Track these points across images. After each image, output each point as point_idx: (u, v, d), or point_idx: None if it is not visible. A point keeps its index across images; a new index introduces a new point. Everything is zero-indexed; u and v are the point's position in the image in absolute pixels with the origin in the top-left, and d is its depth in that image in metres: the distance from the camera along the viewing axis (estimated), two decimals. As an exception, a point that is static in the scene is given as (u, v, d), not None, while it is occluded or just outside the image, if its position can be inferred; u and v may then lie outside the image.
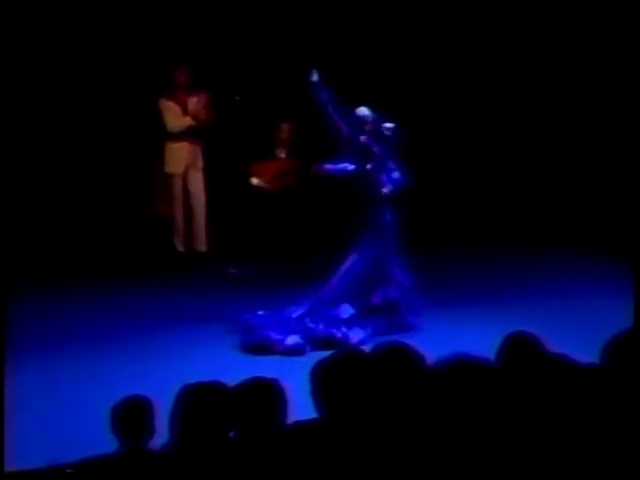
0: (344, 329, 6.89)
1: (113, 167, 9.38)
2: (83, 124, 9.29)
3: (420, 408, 3.19)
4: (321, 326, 6.89)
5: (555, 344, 3.87)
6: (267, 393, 3.56)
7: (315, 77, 6.97)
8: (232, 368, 5.98)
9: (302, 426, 3.39)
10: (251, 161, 8.84)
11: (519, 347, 3.75)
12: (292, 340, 6.77)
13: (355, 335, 6.91)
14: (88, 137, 9.32)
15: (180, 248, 9.11)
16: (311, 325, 6.89)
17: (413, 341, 3.79)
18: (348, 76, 8.26)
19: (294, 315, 6.94)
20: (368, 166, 7.03)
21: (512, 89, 9.64)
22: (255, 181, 8.83)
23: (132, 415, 3.79)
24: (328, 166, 7.17)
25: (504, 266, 8.66)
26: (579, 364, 3.60)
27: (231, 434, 3.43)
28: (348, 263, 7.04)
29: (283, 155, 8.92)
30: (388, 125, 7.03)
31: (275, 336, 6.78)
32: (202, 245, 9.15)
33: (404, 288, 7.17)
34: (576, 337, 5.66)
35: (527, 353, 3.71)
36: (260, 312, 7.30)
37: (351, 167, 7.08)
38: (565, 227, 9.34)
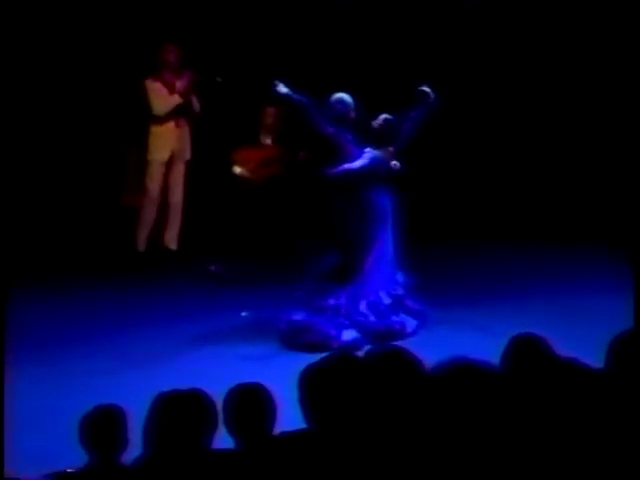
0: (395, 318, 6.99)
1: (85, 153, 9.34)
2: (55, 107, 9.23)
3: (418, 418, 3.18)
4: (372, 318, 6.96)
5: (563, 347, 3.88)
6: (253, 401, 3.57)
7: (283, 89, 6.99)
8: (213, 373, 5.99)
9: (289, 437, 3.39)
10: (233, 148, 8.83)
11: (526, 351, 3.75)
12: (349, 335, 6.87)
13: (410, 324, 7.06)
14: (60, 122, 9.28)
15: (141, 247, 8.99)
16: (360, 318, 6.96)
17: (410, 344, 3.80)
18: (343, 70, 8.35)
19: (342, 311, 6.98)
20: (390, 148, 7.07)
21: (512, 83, 9.80)
22: (238, 170, 8.81)
23: (103, 426, 3.78)
24: (345, 166, 7.04)
25: (505, 264, 8.72)
26: (591, 369, 3.61)
27: (210, 446, 3.43)
28: (375, 251, 7.06)
29: (268, 141, 8.91)
30: (382, 117, 7.06)
31: (332, 332, 6.87)
32: (173, 243, 9.08)
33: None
34: (584, 338, 5.68)
35: (535, 357, 3.71)
36: (244, 313, 7.32)
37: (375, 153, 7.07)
38: (566, 223, 9.44)
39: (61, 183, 9.34)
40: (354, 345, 6.71)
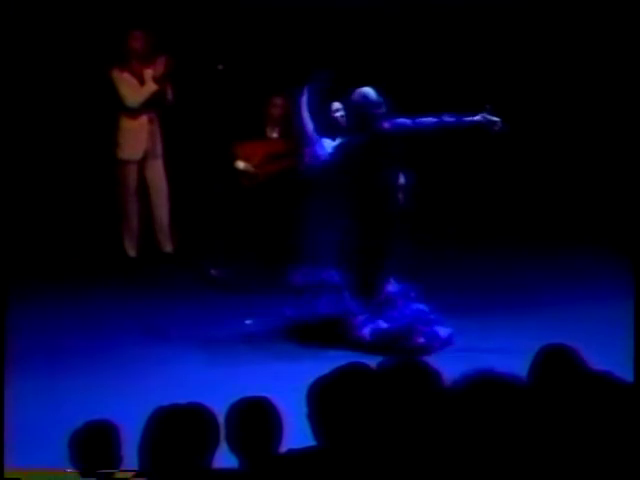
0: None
1: (83, 154, 9.34)
2: (28, 103, 9.20)
3: (437, 435, 3.17)
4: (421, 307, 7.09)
5: (596, 358, 3.88)
6: (257, 416, 3.57)
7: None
8: (214, 386, 6.01)
9: (296, 456, 3.39)
10: (236, 141, 8.82)
11: (555, 363, 3.76)
12: (445, 332, 6.97)
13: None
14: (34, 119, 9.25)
15: (132, 252, 8.97)
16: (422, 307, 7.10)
17: (427, 355, 3.78)
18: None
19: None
20: None
21: (514, 85, 9.90)
22: (241, 165, 8.80)
23: (94, 444, 3.78)
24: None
25: (529, 267, 8.73)
26: (626, 383, 3.59)
27: (211, 465, 3.42)
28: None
29: (275, 135, 8.91)
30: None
31: (438, 331, 6.98)
32: (168, 246, 9.04)
33: None
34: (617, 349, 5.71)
35: (565, 370, 3.71)
36: (248, 321, 7.34)
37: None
38: (565, 226, 9.55)
39: (58, 187, 9.34)
40: (448, 341, 6.86)
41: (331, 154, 7.16)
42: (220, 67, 8.88)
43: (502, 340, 6.87)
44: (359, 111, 7.05)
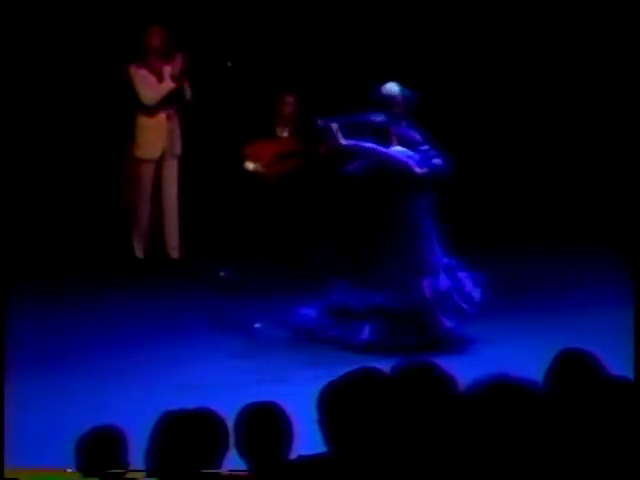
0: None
1: (76, 149, 9.35)
2: (41, 100, 9.23)
3: (451, 442, 3.16)
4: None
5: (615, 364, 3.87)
6: (267, 421, 3.57)
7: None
8: (223, 391, 6.01)
9: (306, 462, 3.37)
10: (246, 141, 8.83)
11: (573, 368, 3.75)
12: None
13: None
14: (48, 115, 9.28)
15: (139, 253, 8.96)
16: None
17: (442, 360, 3.78)
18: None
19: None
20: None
21: (515, 84, 9.98)
22: (251, 165, 8.81)
23: (100, 450, 3.78)
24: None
25: (529, 269, 8.75)
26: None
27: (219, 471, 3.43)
28: None
29: (285, 134, 8.92)
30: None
31: None
32: (174, 250, 9.01)
33: None
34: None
35: (582, 375, 3.70)
36: (257, 324, 7.34)
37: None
38: (574, 226, 9.59)
39: (58, 186, 9.36)
40: None
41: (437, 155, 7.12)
42: (229, 64, 8.88)
43: (502, 342, 6.92)
44: (409, 103, 7.04)
